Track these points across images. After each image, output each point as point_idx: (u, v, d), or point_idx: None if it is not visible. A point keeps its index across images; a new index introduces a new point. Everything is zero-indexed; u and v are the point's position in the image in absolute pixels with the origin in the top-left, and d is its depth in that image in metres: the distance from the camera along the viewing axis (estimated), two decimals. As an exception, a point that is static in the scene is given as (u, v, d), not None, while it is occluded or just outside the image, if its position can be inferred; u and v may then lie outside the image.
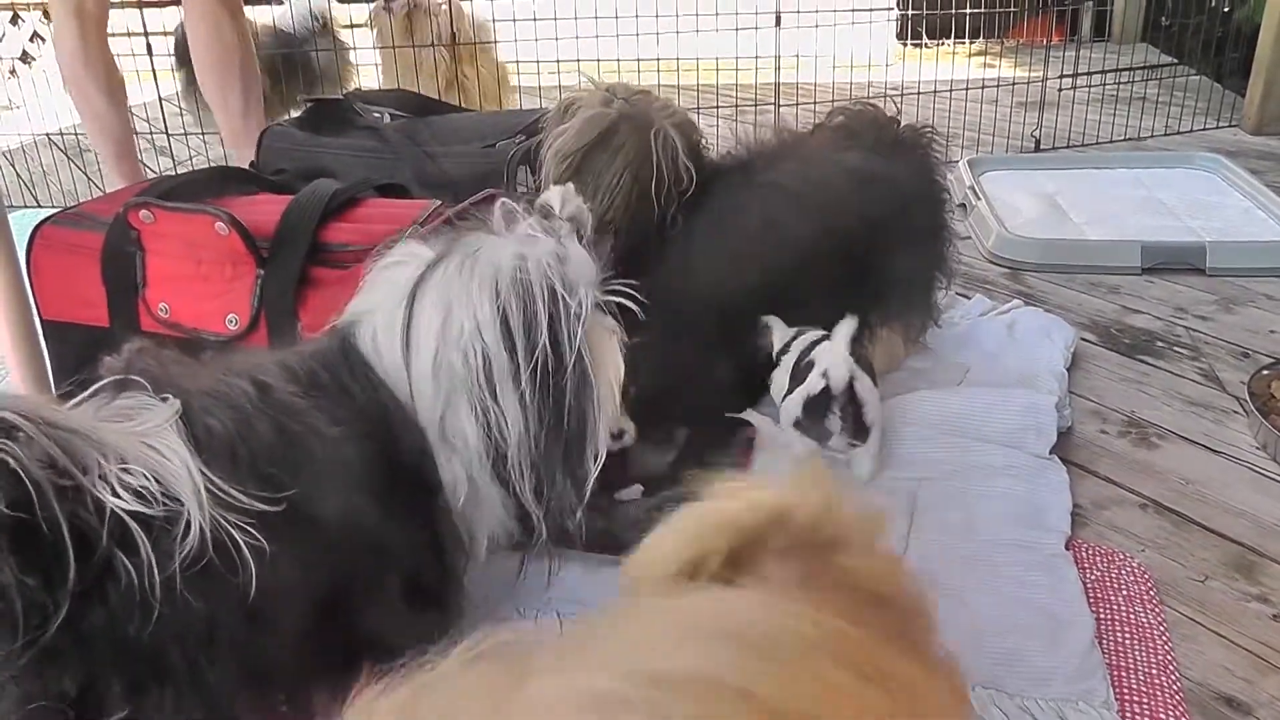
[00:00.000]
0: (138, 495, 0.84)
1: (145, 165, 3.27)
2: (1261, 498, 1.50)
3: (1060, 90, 3.22)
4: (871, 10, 3.58)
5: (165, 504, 0.85)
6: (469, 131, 2.03)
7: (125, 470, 0.85)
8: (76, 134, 3.31)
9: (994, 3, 4.01)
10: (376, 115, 2.13)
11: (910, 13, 4.62)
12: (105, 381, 0.96)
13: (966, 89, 3.26)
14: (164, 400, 0.93)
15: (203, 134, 3.18)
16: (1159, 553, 1.39)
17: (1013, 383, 1.74)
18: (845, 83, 3.44)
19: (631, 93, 1.65)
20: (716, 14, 3.28)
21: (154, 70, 3.01)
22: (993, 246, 2.38)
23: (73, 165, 3.21)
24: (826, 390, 1.47)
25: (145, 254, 1.44)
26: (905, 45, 4.69)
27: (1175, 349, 1.92)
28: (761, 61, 3.27)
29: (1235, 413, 1.70)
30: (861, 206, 1.61)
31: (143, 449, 0.87)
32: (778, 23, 3.09)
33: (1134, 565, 1.35)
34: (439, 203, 1.52)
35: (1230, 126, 3.24)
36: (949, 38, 4.54)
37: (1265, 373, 1.74)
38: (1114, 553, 1.37)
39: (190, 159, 3.29)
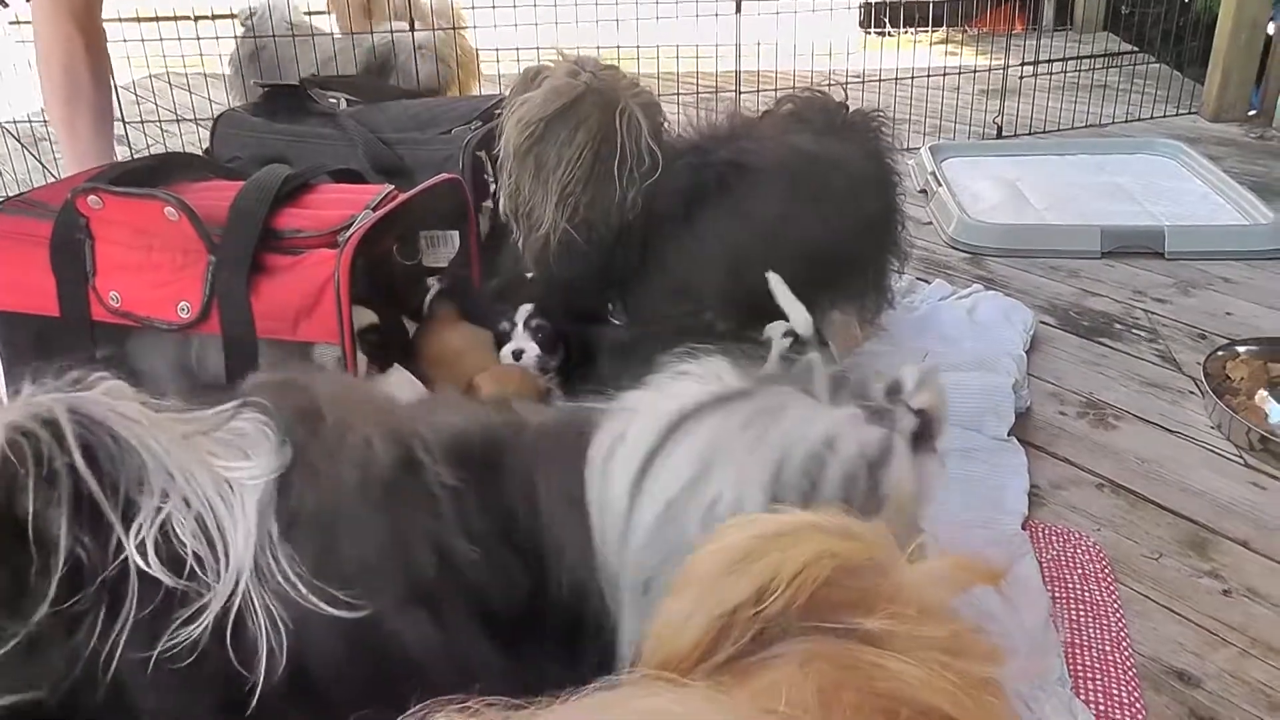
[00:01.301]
0: (169, 547, 0.76)
1: (102, 154, 3.23)
2: (1216, 476, 1.51)
3: (1022, 78, 3.23)
4: (834, -3, 3.57)
5: (189, 580, 0.75)
6: (425, 118, 2.00)
7: (177, 513, 0.75)
8: (30, 122, 3.25)
9: (957, -9, 4.02)
10: (332, 101, 2.11)
11: (873, 1, 4.64)
12: (238, 399, 0.85)
13: (929, 76, 3.27)
14: (281, 443, 0.82)
15: (159, 121, 3.13)
16: (1114, 531, 1.40)
17: (971, 366, 1.74)
18: (807, 71, 3.43)
19: (600, 67, 1.62)
20: (677, 1, 3.27)
21: (117, 57, 2.96)
22: (953, 232, 2.39)
23: (27, 154, 3.16)
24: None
25: (94, 241, 1.41)
26: (868, 33, 4.70)
27: (1133, 331, 1.93)
28: (722, 49, 3.26)
29: (1191, 393, 1.72)
30: (813, 188, 1.61)
31: (215, 495, 0.77)
32: (738, 9, 3.08)
33: (1089, 544, 1.36)
34: (391, 188, 1.50)
35: (1190, 114, 3.27)
36: (912, 26, 4.56)
37: (1220, 354, 1.76)
38: (1070, 532, 1.38)
39: (148, 147, 3.24)
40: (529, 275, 1.73)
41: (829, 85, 2.97)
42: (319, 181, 1.54)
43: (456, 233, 1.66)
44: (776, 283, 1.52)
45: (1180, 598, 1.28)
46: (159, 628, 0.75)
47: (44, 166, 3.08)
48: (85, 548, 0.74)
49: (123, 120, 2.99)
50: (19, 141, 3.20)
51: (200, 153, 2.13)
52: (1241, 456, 1.55)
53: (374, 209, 1.42)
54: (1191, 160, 2.70)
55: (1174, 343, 1.88)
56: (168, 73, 3.70)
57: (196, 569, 0.76)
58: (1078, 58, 3.43)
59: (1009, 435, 1.57)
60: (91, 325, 1.44)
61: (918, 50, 4.07)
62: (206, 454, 0.80)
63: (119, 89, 3.00)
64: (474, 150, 1.88)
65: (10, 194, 2.57)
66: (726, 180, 1.56)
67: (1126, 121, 3.22)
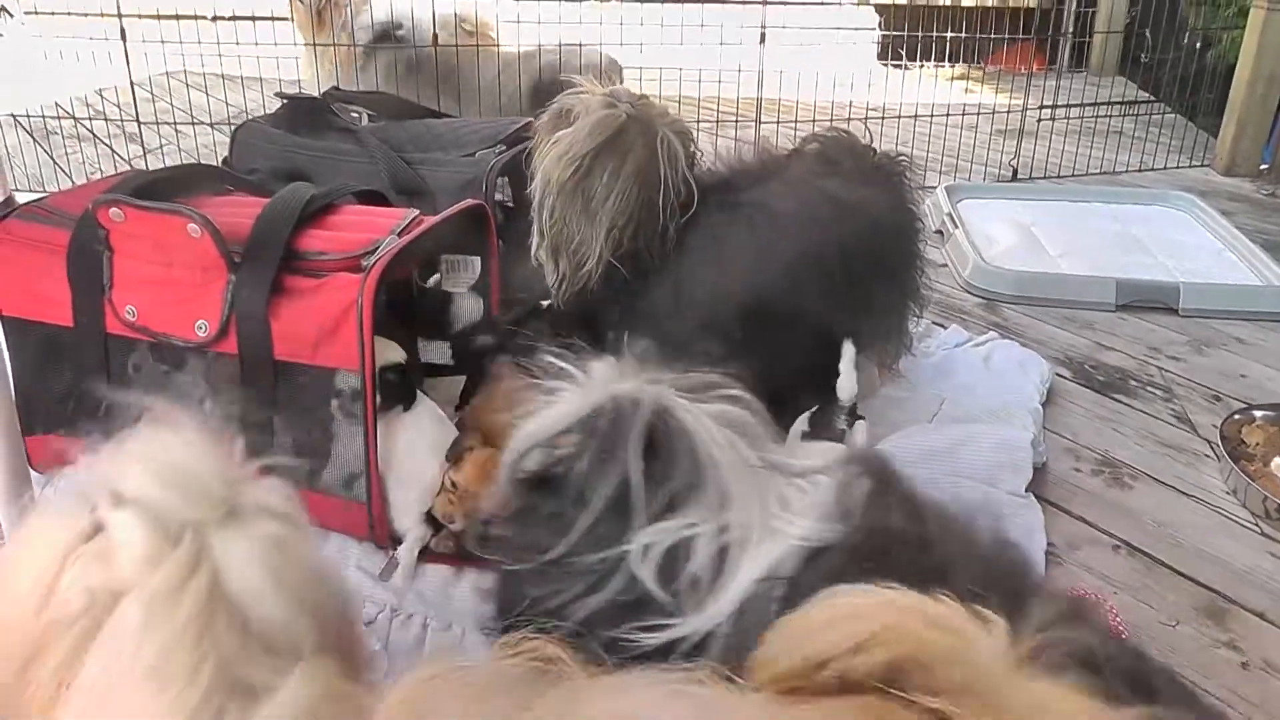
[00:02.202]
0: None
1: (114, 152, 3.21)
2: (1232, 543, 1.50)
3: (1040, 121, 3.23)
4: (855, 29, 3.58)
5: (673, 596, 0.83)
6: (448, 139, 1.99)
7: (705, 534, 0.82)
8: (43, 116, 3.24)
9: (975, 28, 4.03)
10: (354, 116, 2.09)
11: (892, 34, 4.65)
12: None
13: (948, 114, 3.27)
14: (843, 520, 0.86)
15: (175, 123, 3.11)
16: (1131, 595, 1.39)
17: (987, 417, 1.74)
18: (826, 102, 3.44)
19: (635, 97, 1.60)
20: (702, 25, 3.27)
21: (126, 54, 2.94)
22: (969, 276, 2.38)
23: (39, 147, 3.14)
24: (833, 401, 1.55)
25: (113, 254, 1.40)
26: (886, 66, 4.71)
27: (1148, 389, 1.92)
28: (743, 76, 3.26)
29: (1207, 456, 1.71)
30: (841, 233, 1.60)
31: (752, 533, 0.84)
32: (762, 40, 3.08)
33: (1107, 607, 1.35)
34: (417, 212, 1.49)
35: (1202, 165, 3.28)
36: (929, 60, 4.57)
37: (1237, 417, 1.75)
38: (1086, 593, 1.37)
39: (161, 146, 3.23)
40: (545, 304, 1.72)
41: (848, 120, 3.00)
42: (343, 202, 1.53)
43: (478, 259, 1.64)
44: (848, 350, 1.55)
45: (1199, 668, 1.26)
46: (625, 618, 0.84)
47: (54, 161, 3.06)
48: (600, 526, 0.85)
49: (137, 119, 2.98)
50: (30, 135, 3.19)
51: (218, 160, 2.12)
52: (1258, 525, 1.54)
53: (399, 234, 1.40)
54: (1205, 215, 2.70)
55: (1189, 403, 1.87)
56: (185, 72, 3.69)
57: (688, 590, 0.83)
58: (1095, 103, 3.43)
59: (1026, 491, 1.55)
60: (105, 338, 1.42)
61: (936, 85, 4.09)
62: (769, 493, 0.86)
63: (134, 85, 3.00)
64: (498, 175, 1.86)
65: (19, 187, 2.56)
66: (755, 222, 1.55)
67: (1140, 170, 3.22)
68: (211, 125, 3.20)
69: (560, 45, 2.88)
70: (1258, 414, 1.75)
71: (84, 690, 0.62)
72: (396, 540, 1.38)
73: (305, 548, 0.72)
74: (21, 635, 0.63)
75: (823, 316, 1.53)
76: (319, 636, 0.67)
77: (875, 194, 1.65)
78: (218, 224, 1.35)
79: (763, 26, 3.07)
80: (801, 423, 1.56)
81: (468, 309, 1.65)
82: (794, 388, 1.54)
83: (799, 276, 1.52)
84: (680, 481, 0.87)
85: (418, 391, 1.45)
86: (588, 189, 1.53)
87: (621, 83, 2.80)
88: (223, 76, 3.54)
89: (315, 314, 1.32)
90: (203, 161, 2.81)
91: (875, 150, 1.74)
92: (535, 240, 1.61)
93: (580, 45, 2.86)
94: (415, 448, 1.37)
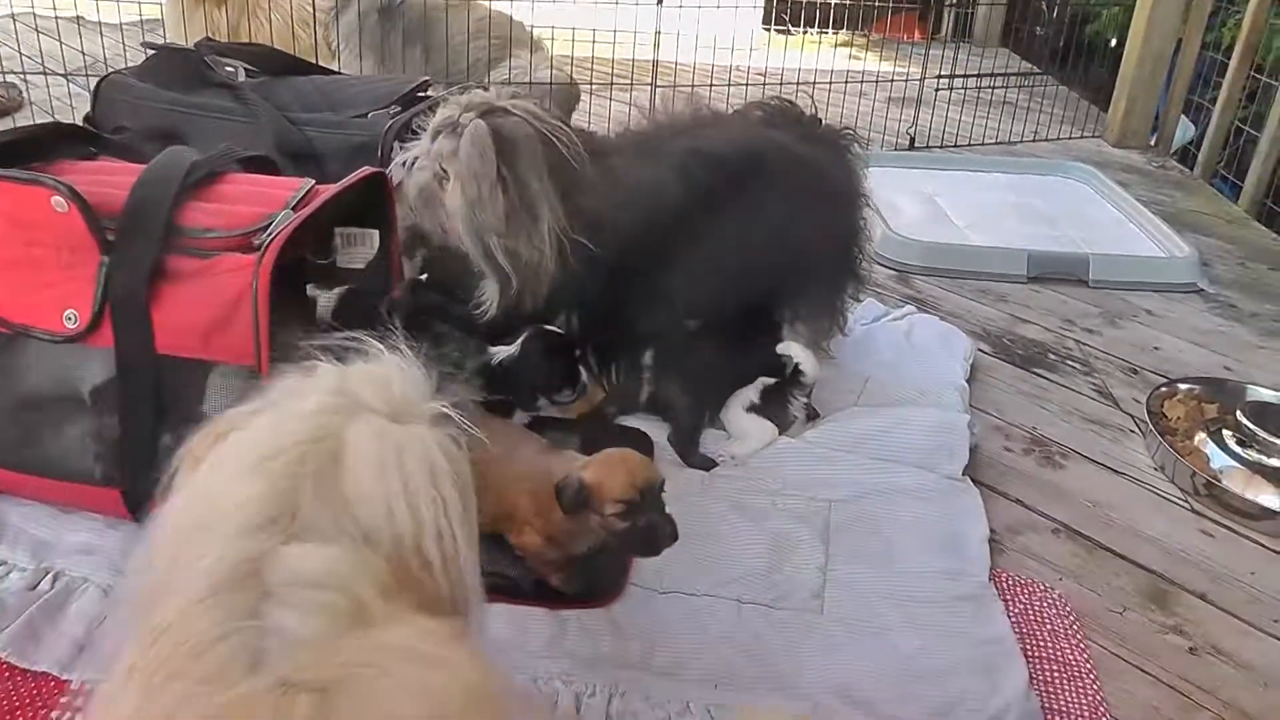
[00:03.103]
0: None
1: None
2: (1165, 521, 1.49)
3: (937, 91, 3.22)
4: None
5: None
6: (338, 97, 1.82)
7: None
8: None
9: (860, -4, 4.00)
10: (230, 70, 1.89)
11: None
12: None
13: (845, 82, 3.22)
14: None
15: (24, 73, 2.80)
16: (1076, 581, 1.35)
17: (916, 395, 1.69)
18: (716, 65, 3.35)
19: (488, 103, 1.49)
20: (596, -14, 3.13)
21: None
22: (878, 246, 2.32)
23: None
24: (793, 380, 1.53)
25: (-42, 230, 1.21)
26: (770, 31, 4.66)
27: (1068, 363, 1.91)
28: (636, 36, 3.15)
29: (1131, 431, 1.70)
30: (795, 189, 1.52)
31: None
32: (660, 1, 2.97)
33: (1054, 596, 1.31)
34: (313, 182, 1.33)
35: (1094, 137, 3.32)
36: (813, 27, 4.53)
37: (1162, 390, 1.74)
38: (1035, 583, 1.33)
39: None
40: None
41: (745, 86, 2.92)
42: (229, 170, 1.35)
43: (376, 232, 1.49)
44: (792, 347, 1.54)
45: (1149, 656, 1.24)
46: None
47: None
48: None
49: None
50: None
51: (75, 117, 1.89)
52: (1187, 501, 1.53)
53: (294, 207, 1.25)
54: (1104, 186, 2.73)
55: (1108, 377, 1.86)
56: (34, 14, 3.34)
57: None
58: (991, 74, 3.43)
59: (963, 474, 1.51)
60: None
61: (820, 51, 4.05)
62: None
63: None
64: (394, 138, 1.71)
65: None
66: (689, 170, 1.45)
67: (1034, 140, 3.24)
68: (66, 75, 2.90)
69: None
70: (1180, 387, 1.75)
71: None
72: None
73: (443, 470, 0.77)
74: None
75: (750, 275, 1.45)
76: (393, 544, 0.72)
77: (824, 155, 1.57)
78: (87, 196, 1.17)
79: (660, -13, 2.96)
80: (750, 393, 1.49)
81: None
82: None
83: (742, 227, 1.44)
84: None
85: None
86: (522, 198, 1.43)
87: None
88: (79, 21, 3.22)
89: (203, 301, 1.16)
90: (56, 118, 2.53)
91: (820, 120, 1.66)
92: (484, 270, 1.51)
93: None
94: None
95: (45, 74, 2.78)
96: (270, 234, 1.18)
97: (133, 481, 1.22)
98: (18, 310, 1.20)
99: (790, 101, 1.68)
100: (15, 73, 2.81)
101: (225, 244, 1.19)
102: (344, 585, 0.66)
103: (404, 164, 1.53)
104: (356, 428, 0.75)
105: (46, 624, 1.13)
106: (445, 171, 1.47)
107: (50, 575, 1.20)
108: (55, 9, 2.90)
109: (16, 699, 1.06)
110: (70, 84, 2.86)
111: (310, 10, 2.78)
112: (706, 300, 1.47)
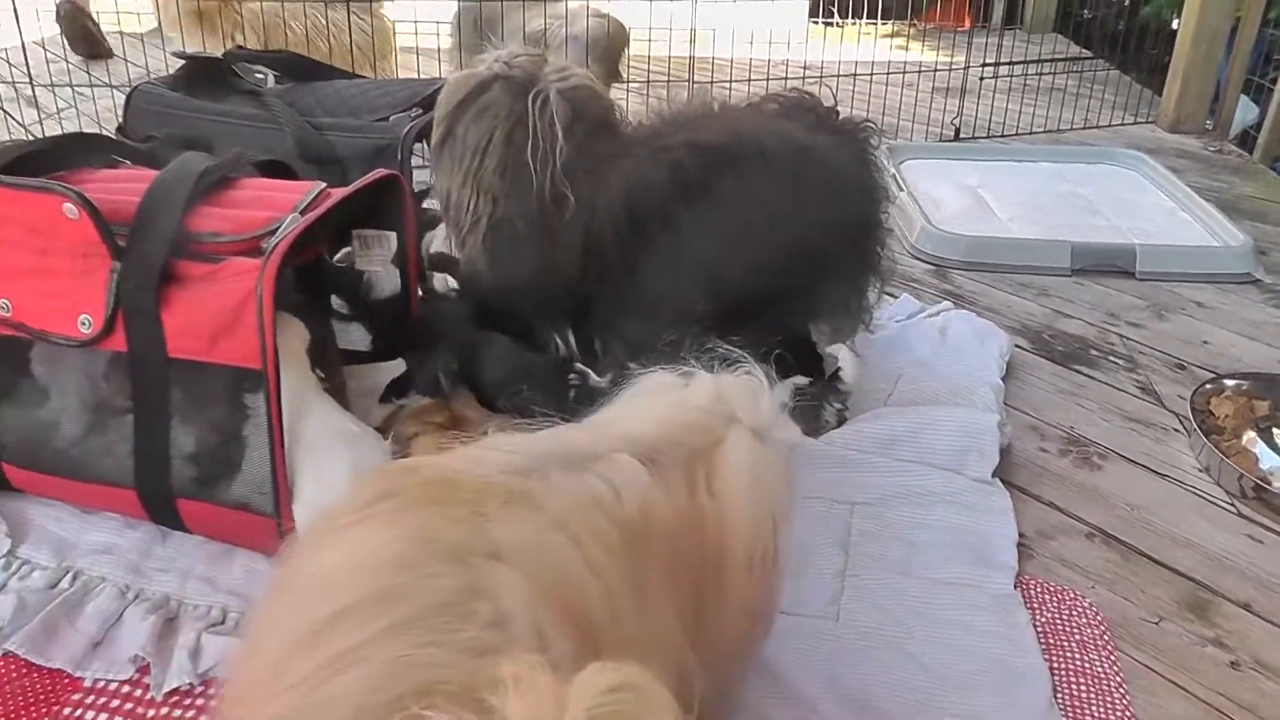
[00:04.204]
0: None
1: (9, 115, 2.95)
2: (1208, 526, 1.42)
3: (981, 79, 3.14)
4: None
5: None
6: (359, 102, 1.82)
7: None
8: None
9: (908, -15, 3.92)
10: (259, 77, 1.91)
11: (824, -10, 4.52)
12: None
13: (888, 73, 3.16)
14: None
15: (72, 85, 2.86)
16: (1109, 589, 1.30)
17: (947, 394, 1.64)
18: (759, 59, 3.30)
19: (521, 56, 1.51)
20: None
21: (15, 10, 2.69)
22: (917, 241, 2.28)
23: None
24: (829, 384, 1.55)
25: (-21, 239, 1.22)
26: (818, 23, 4.59)
27: (1110, 359, 1.84)
28: (676, 34, 3.12)
29: (1175, 430, 1.63)
30: (799, 180, 1.48)
31: None
32: (696, -6, 2.94)
33: (1085, 605, 1.26)
34: (323, 185, 1.32)
35: (1148, 122, 3.21)
36: (861, 17, 4.45)
37: (1208, 387, 1.67)
38: (1064, 591, 1.28)
39: (58, 113, 2.97)
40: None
41: (785, 80, 2.87)
42: (242, 174, 1.36)
43: (393, 234, 1.48)
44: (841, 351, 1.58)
45: (1185, 670, 1.18)
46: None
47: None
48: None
49: (30, 81, 2.73)
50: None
51: (116, 126, 1.92)
52: (1233, 504, 1.46)
53: (302, 211, 1.24)
54: (1155, 173, 2.64)
55: (1153, 373, 1.79)
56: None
57: None
58: (1038, 60, 3.35)
59: (993, 477, 1.46)
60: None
61: (867, 43, 3.98)
62: None
63: (29, 46, 2.74)
64: (413, 141, 1.70)
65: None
66: (684, 166, 1.42)
67: (1084, 128, 3.15)
68: (112, 88, 2.95)
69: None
70: (1228, 383, 1.68)
71: None
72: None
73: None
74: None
75: (771, 276, 1.42)
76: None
77: (839, 148, 1.53)
78: (98, 203, 1.18)
79: (697, -20, 2.93)
80: (782, 392, 1.46)
81: (383, 288, 1.51)
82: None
83: (746, 224, 1.42)
84: None
85: (326, 409, 1.28)
86: (452, 146, 1.46)
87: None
88: (122, 35, 3.28)
89: (211, 304, 1.16)
90: (104, 129, 2.58)
91: (839, 112, 1.62)
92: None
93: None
94: (331, 474, 1.21)
95: (91, 85, 2.84)
96: (277, 237, 1.18)
97: (147, 483, 1.23)
98: (36, 316, 1.21)
99: (808, 93, 1.63)
100: (64, 84, 2.87)
101: (234, 248, 1.19)
102: None
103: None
104: (735, 437, 0.82)
105: (63, 622, 1.15)
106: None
107: (70, 574, 1.22)
108: (119, 25, 2.95)
109: (30, 695, 1.07)
110: (118, 96, 2.90)
111: (324, 23, 2.80)
112: (701, 296, 1.43)
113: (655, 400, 0.86)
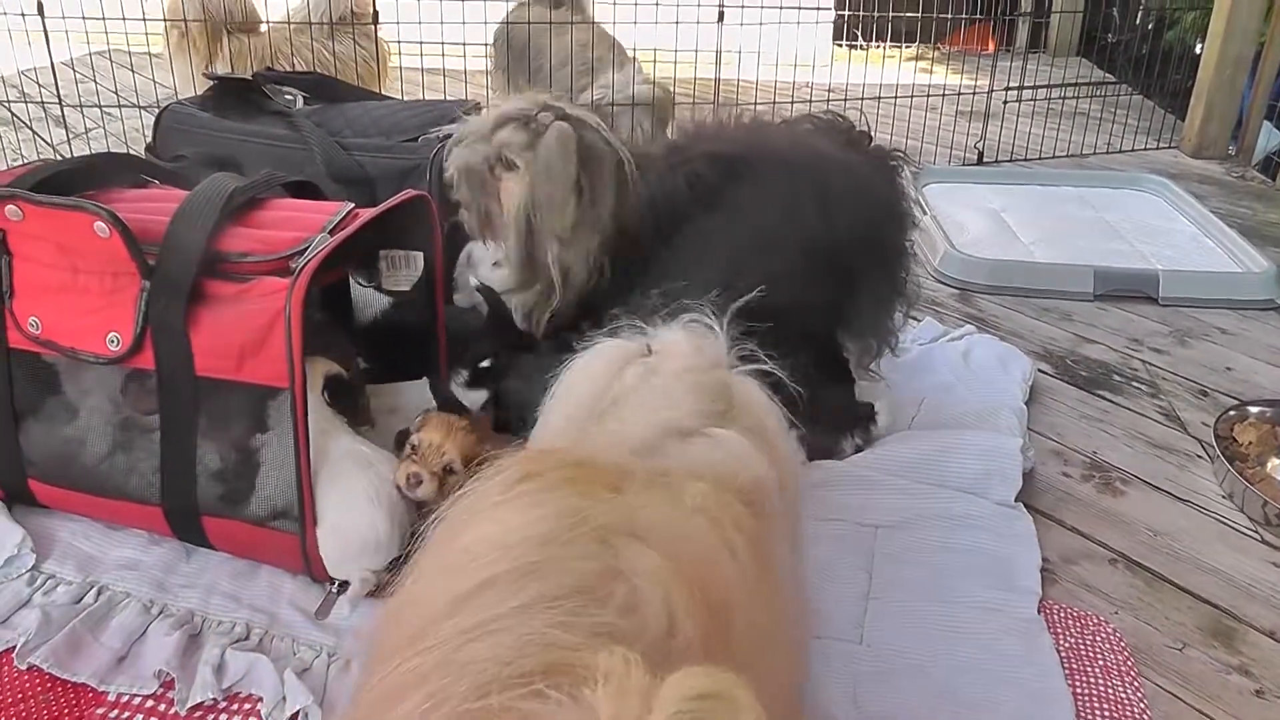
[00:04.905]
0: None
1: (37, 135, 3.00)
2: (1232, 553, 1.41)
3: (1005, 103, 3.14)
4: (814, 8, 3.46)
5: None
6: (388, 122, 1.84)
7: None
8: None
9: (931, 8, 3.93)
10: (288, 98, 1.94)
11: (847, 14, 4.54)
12: None
13: (912, 96, 3.17)
14: None
15: (100, 105, 2.91)
16: (1133, 615, 1.29)
17: (971, 418, 1.63)
18: (783, 82, 3.32)
19: (554, 108, 1.50)
20: (657, 4, 3.13)
21: (45, 31, 2.73)
22: (940, 265, 2.28)
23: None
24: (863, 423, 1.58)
25: (12, 258, 1.25)
26: (841, 46, 4.61)
27: (1133, 384, 1.84)
28: (702, 56, 3.13)
29: (1199, 457, 1.62)
30: (827, 190, 1.48)
31: None
32: (720, 18, 2.95)
33: (1109, 630, 1.25)
34: (352, 206, 1.34)
35: (1170, 147, 3.21)
36: (885, 41, 4.47)
37: (1232, 414, 1.66)
38: (1087, 616, 1.27)
39: (86, 133, 3.02)
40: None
41: (809, 103, 2.89)
42: (271, 195, 1.38)
43: (420, 254, 1.50)
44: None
45: (1210, 698, 1.17)
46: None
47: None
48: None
49: (59, 101, 2.78)
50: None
51: (144, 145, 1.95)
52: (1257, 531, 1.45)
53: (331, 231, 1.26)
54: (1178, 199, 2.63)
55: (1176, 399, 1.79)
56: (108, 50, 3.47)
57: None
58: (1061, 85, 3.35)
59: (1016, 501, 1.45)
60: (8, 353, 1.27)
61: (891, 66, 3.99)
62: None
63: (58, 65, 2.79)
64: (443, 162, 1.72)
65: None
66: (703, 177, 1.43)
67: (1108, 153, 3.15)
68: (140, 108, 3.00)
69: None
70: (1252, 410, 1.67)
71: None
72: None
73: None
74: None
75: (793, 290, 1.42)
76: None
77: (870, 169, 1.54)
78: (130, 222, 1.19)
79: (720, 4, 2.94)
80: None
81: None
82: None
83: (764, 235, 1.43)
84: None
85: (349, 434, 1.30)
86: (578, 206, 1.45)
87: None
88: (150, 55, 3.33)
89: (239, 324, 1.17)
90: (132, 149, 2.62)
91: (871, 137, 1.63)
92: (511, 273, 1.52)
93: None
94: (351, 497, 1.22)
95: (119, 106, 2.88)
96: (306, 257, 1.20)
97: (173, 499, 1.24)
98: (67, 334, 1.23)
99: (841, 115, 1.64)
100: (93, 105, 2.91)
101: (262, 268, 1.20)
102: None
103: (451, 137, 1.55)
104: (744, 391, 0.88)
105: (88, 636, 1.16)
106: (508, 161, 1.47)
107: (95, 589, 1.23)
108: (128, 45, 3.01)
109: (55, 709, 1.08)
110: (147, 115, 2.95)
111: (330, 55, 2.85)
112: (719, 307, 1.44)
113: (661, 372, 0.89)
